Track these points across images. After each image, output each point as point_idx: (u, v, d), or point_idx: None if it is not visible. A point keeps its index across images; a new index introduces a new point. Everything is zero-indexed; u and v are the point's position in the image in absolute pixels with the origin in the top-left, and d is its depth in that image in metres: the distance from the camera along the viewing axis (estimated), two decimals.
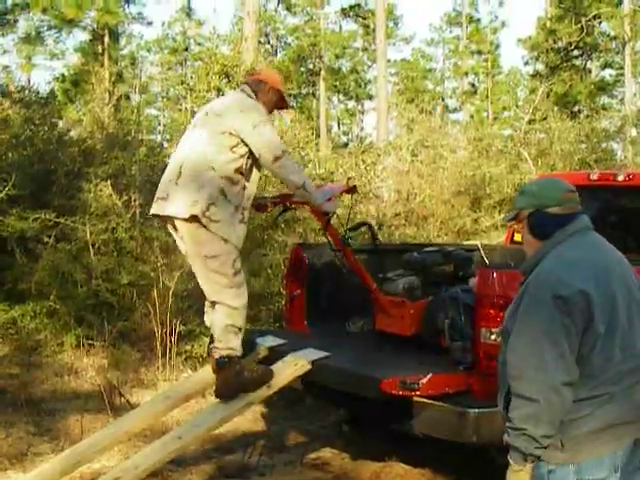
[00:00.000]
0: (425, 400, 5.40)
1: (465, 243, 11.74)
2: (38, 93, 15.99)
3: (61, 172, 13.12)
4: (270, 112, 5.98)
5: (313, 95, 48.09)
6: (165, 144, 20.06)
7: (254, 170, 5.63)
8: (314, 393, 6.92)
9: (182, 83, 18.10)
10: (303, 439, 7.48)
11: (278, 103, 5.97)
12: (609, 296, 3.25)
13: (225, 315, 5.51)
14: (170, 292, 10.04)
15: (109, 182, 11.98)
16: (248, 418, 7.77)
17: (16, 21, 34.19)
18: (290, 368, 5.75)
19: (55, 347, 10.96)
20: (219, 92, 16.86)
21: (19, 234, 11.80)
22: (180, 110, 50.83)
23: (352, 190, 6.45)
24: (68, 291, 11.37)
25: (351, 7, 48.17)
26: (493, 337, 5.33)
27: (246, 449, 6.96)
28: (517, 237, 8.46)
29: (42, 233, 11.82)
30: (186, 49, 45.63)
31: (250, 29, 19.28)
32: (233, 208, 5.45)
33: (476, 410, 5.23)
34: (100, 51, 33.18)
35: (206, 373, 6.07)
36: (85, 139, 15.74)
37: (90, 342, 10.89)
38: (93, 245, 11.53)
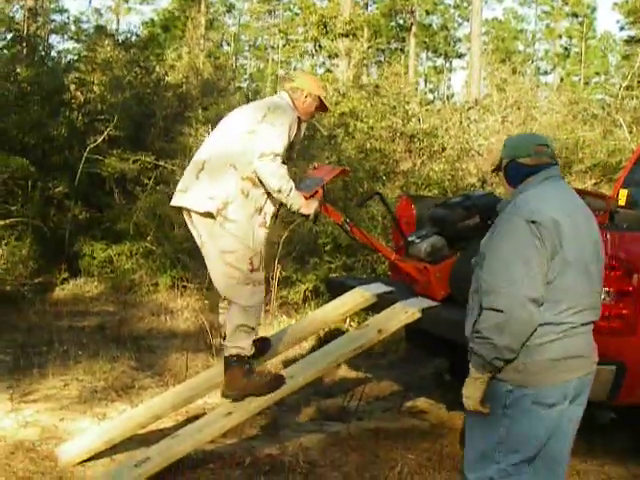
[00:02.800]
0: None
1: None
2: (138, 36, 16.16)
3: (159, 116, 13.29)
4: (309, 118, 5.86)
5: (402, 50, 47.65)
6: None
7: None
8: (417, 342, 6.97)
9: (280, 32, 18.04)
10: (400, 388, 7.54)
11: (318, 108, 5.77)
12: (579, 231, 3.55)
13: (238, 314, 5.34)
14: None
15: (210, 126, 12.07)
16: (345, 366, 7.85)
17: None
18: (401, 315, 5.80)
19: (150, 287, 11.20)
20: (316, 42, 16.90)
21: (119, 175, 12.02)
22: (267, 60, 51.11)
23: (344, 172, 6.29)
24: (165, 233, 11.58)
25: None
26: (602, 297, 5.33)
27: (345, 395, 7.04)
28: (621, 200, 8.33)
29: (141, 175, 12.02)
30: None
31: None
32: (253, 210, 5.29)
33: None
34: None
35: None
36: (181, 84, 15.92)
37: (184, 284, 11.08)
38: None
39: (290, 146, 5.43)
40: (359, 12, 18.97)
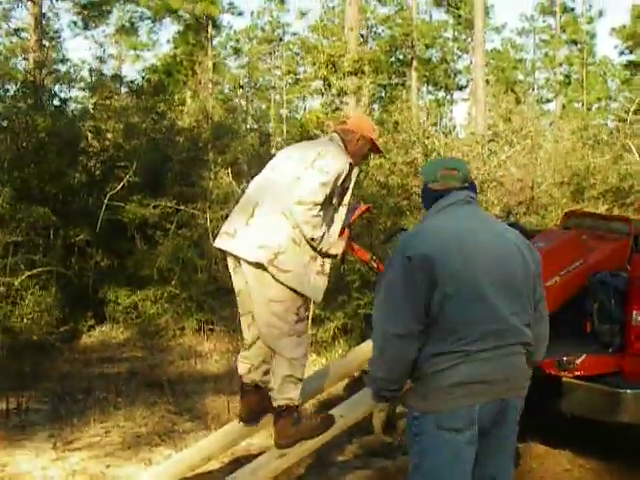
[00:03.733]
0: (578, 381, 5.56)
1: None
2: (149, 82, 16.31)
3: (175, 160, 13.37)
4: (361, 161, 5.72)
5: (402, 85, 47.87)
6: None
7: (336, 219, 5.36)
8: None
9: (288, 72, 18.21)
10: None
11: (370, 151, 5.65)
12: (462, 262, 3.53)
13: (284, 366, 5.19)
14: None
15: (229, 169, 12.18)
16: None
17: (109, 12, 34.70)
18: None
19: (176, 331, 11.24)
20: (325, 81, 17.06)
21: (139, 221, 12.09)
22: (270, 101, 51.47)
23: (368, 210, 6.08)
24: (189, 276, 11.63)
25: None
26: None
27: (388, 429, 7.03)
28: None
29: (161, 220, 12.09)
30: (280, 39, 45.84)
31: (352, 18, 19.33)
32: (308, 258, 5.12)
33: (628, 391, 5.47)
34: (193, 42, 33.51)
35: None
36: (193, 128, 16.04)
37: (210, 327, 11.12)
38: (212, 231, 11.73)
39: (342, 191, 5.30)
40: (365, 49, 19.13)
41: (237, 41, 51.59)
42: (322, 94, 17.40)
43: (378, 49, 31.41)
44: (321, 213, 5.12)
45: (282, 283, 5.04)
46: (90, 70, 29.19)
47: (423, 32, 46.36)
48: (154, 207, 11.99)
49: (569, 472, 6.24)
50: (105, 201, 11.90)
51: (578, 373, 5.51)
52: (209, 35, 25.53)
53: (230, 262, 5.37)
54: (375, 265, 5.81)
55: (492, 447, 3.66)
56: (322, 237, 5.14)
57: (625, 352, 5.57)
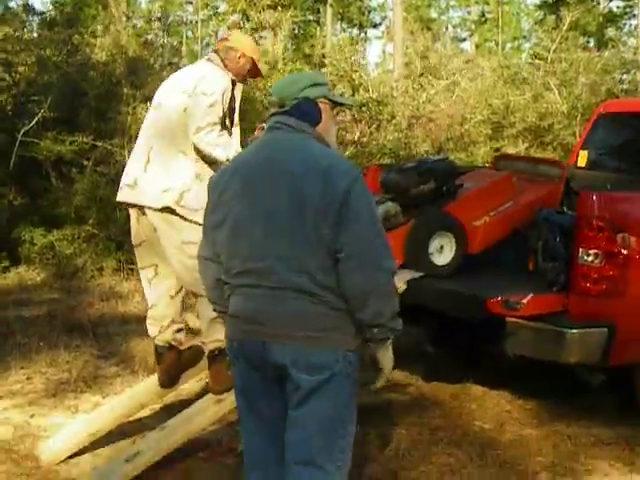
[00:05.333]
0: (523, 321, 5.39)
1: None
2: (62, 13, 15.67)
3: (91, 95, 12.86)
4: (242, 81, 5.45)
5: (317, 22, 47.36)
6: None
7: (233, 140, 5.19)
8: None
9: (206, 6, 17.63)
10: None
11: (251, 71, 5.43)
12: (236, 192, 3.21)
13: (209, 308, 4.76)
14: None
15: (147, 104, 11.71)
16: None
17: None
18: None
19: (94, 272, 10.86)
20: (244, 14, 16.62)
21: (55, 157, 11.64)
22: (181, 36, 50.35)
23: None
24: (107, 215, 11.22)
25: None
26: (590, 259, 5.31)
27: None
28: (580, 162, 8.31)
29: (77, 157, 11.64)
30: None
31: None
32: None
33: (574, 330, 5.31)
34: None
35: None
36: (107, 62, 15.47)
37: (130, 267, 10.76)
38: None
39: (230, 111, 5.17)
40: None
41: None
42: (240, 28, 16.93)
43: None
44: (223, 132, 5.02)
45: (191, 221, 4.90)
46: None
47: None
48: (70, 143, 11.51)
49: (509, 413, 6.18)
50: (18, 137, 11.39)
51: (524, 313, 5.33)
52: None
53: (132, 213, 5.21)
54: None
55: (281, 410, 3.24)
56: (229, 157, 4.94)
57: (570, 291, 5.43)
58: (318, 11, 47.39)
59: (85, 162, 11.52)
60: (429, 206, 6.06)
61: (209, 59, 5.30)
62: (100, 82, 13.49)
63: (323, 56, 14.59)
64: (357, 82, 12.15)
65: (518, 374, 6.68)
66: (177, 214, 4.93)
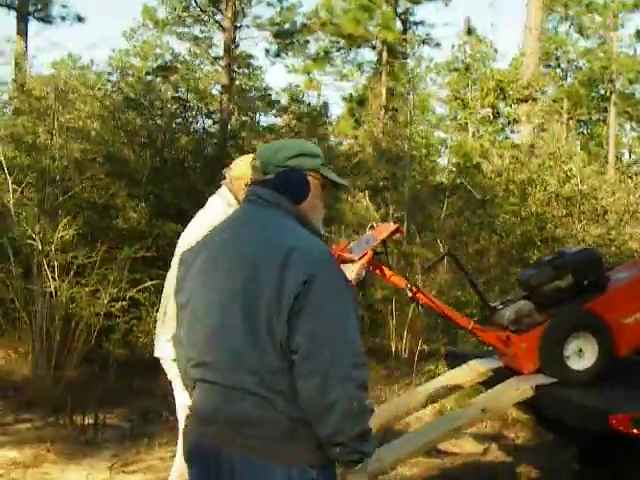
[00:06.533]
0: None
1: None
2: (309, 105, 16.17)
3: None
4: None
5: (603, 121, 46.13)
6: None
7: None
8: (545, 424, 6.18)
9: (455, 99, 17.65)
10: (536, 475, 6.69)
11: None
12: (199, 271, 2.79)
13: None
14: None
15: (366, 192, 11.67)
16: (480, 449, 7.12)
17: (307, 42, 34.95)
18: (511, 393, 5.07)
19: None
20: (493, 109, 16.37)
21: None
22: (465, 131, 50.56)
23: (397, 231, 5.29)
24: None
25: None
26: None
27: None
28: None
29: None
30: (467, 69, 45.02)
31: (531, 45, 18.47)
32: None
33: None
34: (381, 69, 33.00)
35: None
36: (356, 152, 15.71)
37: None
38: None
39: None
40: (542, 78, 18.19)
41: (437, 73, 51.07)
42: (490, 122, 16.64)
43: (571, 83, 30.13)
44: None
45: None
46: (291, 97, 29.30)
47: (626, 66, 44.37)
48: None
49: None
50: None
51: None
52: (384, 61, 25.01)
53: None
54: (409, 294, 5.21)
55: None
56: None
57: None
58: (605, 110, 46.14)
59: None
60: (567, 304, 5.36)
61: (218, 193, 4.90)
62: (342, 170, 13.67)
63: (532, 146, 13.93)
64: (569, 173, 11.45)
65: None
66: None
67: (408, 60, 29.82)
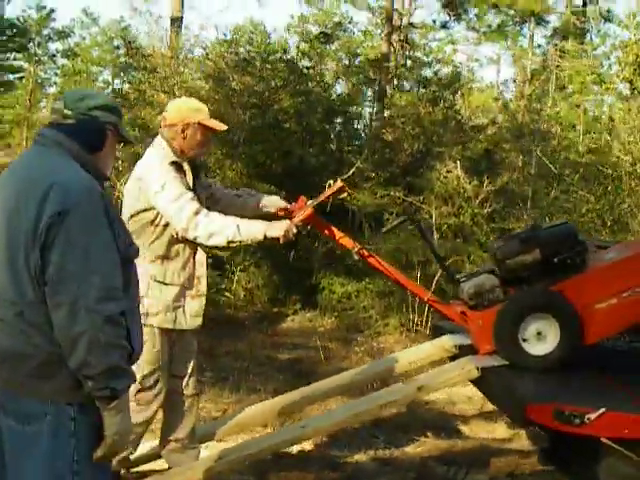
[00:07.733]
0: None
1: None
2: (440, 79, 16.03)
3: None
4: (202, 148, 4.70)
5: None
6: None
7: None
8: None
9: (592, 74, 16.87)
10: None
11: (205, 134, 4.64)
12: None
13: None
14: None
15: (458, 163, 11.30)
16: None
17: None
18: (452, 372, 4.77)
19: (379, 329, 10.58)
20: (631, 84, 15.47)
21: (372, 209, 11.69)
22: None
23: (342, 190, 4.88)
24: (407, 271, 10.98)
25: None
26: None
27: (449, 465, 5.97)
28: None
29: (386, 210, 11.54)
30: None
31: None
32: (178, 289, 4.58)
33: None
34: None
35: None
36: (486, 125, 15.37)
37: (417, 328, 10.36)
38: (438, 228, 11.02)
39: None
40: None
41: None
42: (626, 99, 15.72)
43: None
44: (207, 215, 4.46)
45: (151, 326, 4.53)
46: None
47: None
48: (381, 197, 11.45)
49: None
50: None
51: (591, 432, 4.05)
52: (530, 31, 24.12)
53: None
54: (357, 257, 5.03)
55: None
56: (231, 234, 4.42)
57: None
58: None
59: (388, 216, 11.31)
60: (533, 281, 4.92)
61: (152, 145, 4.74)
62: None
63: None
64: None
65: None
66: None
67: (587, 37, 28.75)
